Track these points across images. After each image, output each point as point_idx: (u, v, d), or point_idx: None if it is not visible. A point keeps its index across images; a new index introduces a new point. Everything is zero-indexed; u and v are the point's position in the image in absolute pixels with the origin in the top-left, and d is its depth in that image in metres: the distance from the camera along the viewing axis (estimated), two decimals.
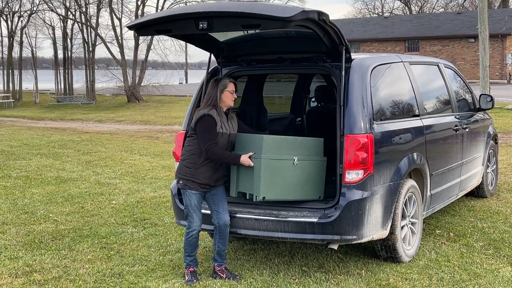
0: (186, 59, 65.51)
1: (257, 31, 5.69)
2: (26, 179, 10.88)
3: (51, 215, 8.06)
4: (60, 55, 47.31)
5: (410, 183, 5.96)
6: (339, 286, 5.34)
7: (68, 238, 6.96)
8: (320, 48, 5.61)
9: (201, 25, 4.99)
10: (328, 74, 6.46)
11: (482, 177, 8.36)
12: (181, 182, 5.49)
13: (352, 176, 5.30)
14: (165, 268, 5.88)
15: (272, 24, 4.83)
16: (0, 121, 27.29)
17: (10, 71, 46.04)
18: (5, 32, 46.63)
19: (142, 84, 37.77)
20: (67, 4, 40.82)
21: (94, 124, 24.58)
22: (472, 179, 7.88)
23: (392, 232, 5.67)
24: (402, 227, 5.88)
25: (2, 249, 6.54)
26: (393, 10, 64.81)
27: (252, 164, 5.30)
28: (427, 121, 6.45)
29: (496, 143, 9.02)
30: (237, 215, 5.55)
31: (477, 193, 8.54)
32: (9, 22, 45.47)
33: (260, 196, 5.29)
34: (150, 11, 39.98)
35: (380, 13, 64.89)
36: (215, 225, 5.52)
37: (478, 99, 8.25)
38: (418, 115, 6.36)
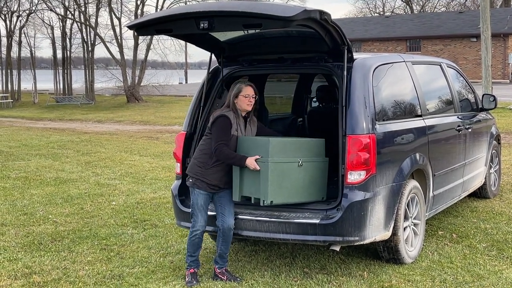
0: (186, 58, 65.53)
1: (258, 30, 5.68)
2: (25, 180, 10.87)
3: (50, 216, 8.05)
4: (59, 55, 47.40)
5: (413, 184, 5.95)
6: None
7: (68, 240, 6.95)
8: (322, 48, 5.60)
9: (201, 25, 4.98)
10: (330, 74, 6.46)
11: (485, 178, 8.36)
12: (190, 180, 5.51)
13: (354, 177, 5.29)
14: (165, 270, 5.88)
15: (274, 24, 4.83)
16: None
17: (9, 71, 46.06)
18: (3, 31, 46.69)
19: (141, 84, 37.78)
20: (66, 4, 40.86)
21: (93, 125, 24.58)
22: (475, 179, 7.87)
23: (394, 233, 5.66)
24: (404, 228, 5.87)
25: (1, 251, 6.53)
26: (395, 9, 64.84)
27: (258, 167, 5.28)
28: (429, 121, 6.45)
29: (499, 143, 9.01)
30: (239, 217, 5.55)
31: (480, 193, 8.53)
32: (7, 22, 45.49)
33: (268, 200, 5.26)
34: (150, 10, 40.14)
35: (381, 12, 64.89)
36: (219, 228, 5.52)
37: (480, 99, 8.25)
38: (420, 115, 6.36)
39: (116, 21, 38.29)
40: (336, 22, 5.17)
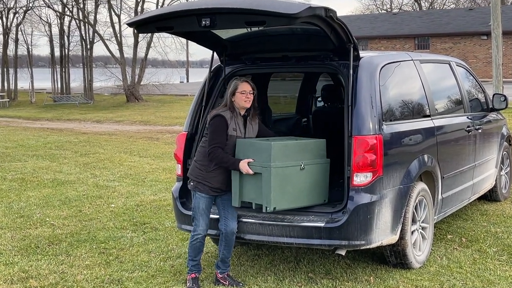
0: (187, 57, 65.63)
1: (261, 28, 5.68)
2: (22, 181, 10.90)
3: (47, 219, 8.07)
4: (57, 53, 47.45)
5: (421, 186, 5.95)
6: None
7: (66, 243, 6.96)
8: (327, 46, 5.60)
9: (203, 22, 4.98)
10: (335, 72, 6.47)
11: (496, 180, 8.34)
12: (192, 183, 5.51)
13: (361, 179, 5.29)
14: (166, 274, 5.88)
15: (277, 21, 4.82)
16: None
17: (5, 69, 46.15)
18: (0, 29, 46.72)
19: (141, 83, 37.83)
20: (64, 0, 40.88)
21: (92, 125, 24.61)
22: (485, 182, 7.86)
23: (402, 237, 5.66)
24: (412, 232, 5.87)
25: None
26: (402, 6, 64.75)
27: (251, 172, 5.24)
28: (438, 122, 6.44)
29: (510, 144, 9.00)
30: (241, 220, 5.55)
31: (490, 196, 8.52)
32: (4, 19, 45.60)
33: (271, 207, 5.22)
34: (150, 7, 40.22)
35: (388, 9, 64.86)
36: (221, 232, 5.53)
37: (491, 98, 8.24)
38: (429, 116, 6.36)
39: (115, 18, 38.51)
40: (342, 19, 5.17)
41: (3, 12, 45.32)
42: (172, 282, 5.68)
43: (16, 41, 46.74)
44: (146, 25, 5.41)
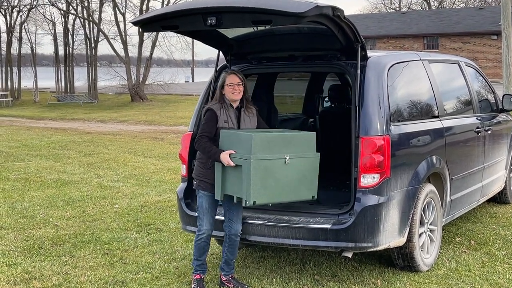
0: (192, 56, 65.75)
1: (268, 27, 5.69)
2: (25, 181, 10.94)
3: (51, 220, 8.10)
4: (61, 51, 47.63)
5: (429, 188, 5.94)
6: None
7: (69, 244, 6.99)
8: (334, 45, 5.61)
9: (209, 21, 4.99)
10: (343, 72, 6.47)
11: (505, 182, 8.33)
12: (195, 182, 5.54)
13: (368, 180, 5.29)
14: (170, 276, 5.90)
15: (284, 20, 4.83)
16: None
17: (9, 68, 46.30)
18: (3, 27, 47.03)
19: (146, 82, 37.89)
20: None
21: (96, 124, 24.68)
22: (494, 184, 7.85)
23: (409, 239, 5.66)
24: (420, 235, 5.87)
25: (0, 255, 6.58)
26: (411, 5, 64.65)
27: (232, 163, 5.14)
28: (447, 123, 6.44)
29: None
30: (247, 221, 5.56)
31: (500, 199, 8.50)
32: (7, 17, 45.75)
33: (250, 201, 5.08)
34: (156, 6, 40.28)
35: (397, 8, 64.77)
36: (225, 233, 5.53)
37: (501, 99, 8.22)
38: (437, 116, 6.35)
39: (120, 17, 38.47)
40: (349, 18, 5.18)
41: (7, 10, 45.49)
42: (176, 284, 5.69)
43: (20, 39, 46.89)
44: (151, 24, 5.43)
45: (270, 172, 5.15)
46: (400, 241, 5.55)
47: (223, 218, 5.58)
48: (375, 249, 5.37)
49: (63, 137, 18.89)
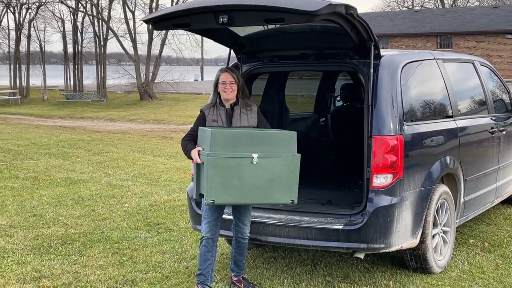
0: (202, 54, 65.80)
1: (279, 25, 5.70)
2: (34, 180, 11.01)
3: (60, 218, 8.15)
4: (70, 49, 47.81)
5: (443, 188, 5.94)
6: None
7: (79, 243, 7.03)
8: (347, 44, 5.60)
9: (221, 19, 5.01)
10: (355, 71, 6.46)
11: None
12: None
13: (380, 180, 5.29)
14: (180, 276, 5.93)
15: (297, 19, 4.84)
16: (6, 118, 27.62)
17: (17, 66, 46.53)
18: (12, 25, 47.25)
19: (155, 81, 38.00)
20: None
21: (105, 123, 24.77)
22: (509, 185, 7.83)
23: (422, 241, 5.65)
24: (433, 236, 5.86)
25: (10, 253, 6.63)
26: (424, 3, 64.46)
27: (199, 160, 5.02)
28: (461, 123, 6.43)
29: None
30: (258, 221, 5.57)
31: None
32: (16, 14, 46.00)
33: (208, 200, 4.92)
34: (165, 3, 40.40)
35: (410, 7, 64.58)
36: (233, 235, 5.52)
37: None
38: (451, 116, 6.34)
39: (129, 15, 38.59)
40: (362, 16, 5.18)
41: (16, 8, 45.73)
42: (186, 284, 5.72)
43: (29, 37, 47.12)
44: (163, 22, 5.45)
45: (234, 171, 4.93)
46: (413, 242, 5.55)
47: (231, 217, 5.54)
48: (387, 250, 5.37)
49: (72, 136, 18.98)
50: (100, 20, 41.95)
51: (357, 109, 7.58)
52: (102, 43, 42.89)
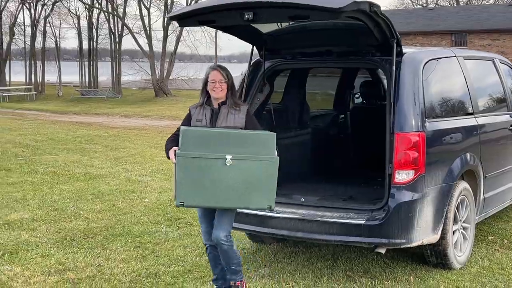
0: (215, 51, 65.73)
1: (303, 22, 5.74)
2: (54, 174, 11.13)
3: (81, 213, 8.25)
4: (85, 46, 48.17)
5: (463, 185, 5.97)
6: None
7: (101, 237, 7.13)
8: (370, 41, 5.64)
9: (246, 16, 5.05)
10: (376, 68, 6.51)
11: None
12: None
13: (402, 176, 5.33)
14: (202, 269, 6.00)
15: (321, 16, 4.89)
16: (22, 114, 27.87)
17: (33, 62, 46.86)
18: (28, 21, 47.64)
19: (170, 77, 38.13)
20: None
21: (120, 119, 24.92)
22: None
23: (443, 237, 5.69)
24: (453, 232, 5.89)
25: (33, 246, 6.73)
26: (439, 1, 64.17)
27: (174, 161, 4.74)
28: (481, 120, 6.45)
29: None
30: (279, 216, 5.63)
31: None
32: (32, 11, 46.34)
33: (177, 201, 4.72)
34: (180, 1, 40.34)
35: (424, 4, 64.31)
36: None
37: None
38: (472, 113, 6.37)
39: (145, 11, 38.79)
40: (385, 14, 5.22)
41: (32, 4, 46.04)
42: (208, 277, 5.77)
43: (44, 33, 47.47)
44: (188, 19, 5.50)
45: (205, 173, 4.66)
46: (434, 238, 5.59)
47: (247, 212, 5.47)
48: (408, 245, 5.41)
49: (89, 132, 19.13)
50: (115, 17, 42.14)
51: (377, 106, 7.62)
52: (117, 39, 43.10)
